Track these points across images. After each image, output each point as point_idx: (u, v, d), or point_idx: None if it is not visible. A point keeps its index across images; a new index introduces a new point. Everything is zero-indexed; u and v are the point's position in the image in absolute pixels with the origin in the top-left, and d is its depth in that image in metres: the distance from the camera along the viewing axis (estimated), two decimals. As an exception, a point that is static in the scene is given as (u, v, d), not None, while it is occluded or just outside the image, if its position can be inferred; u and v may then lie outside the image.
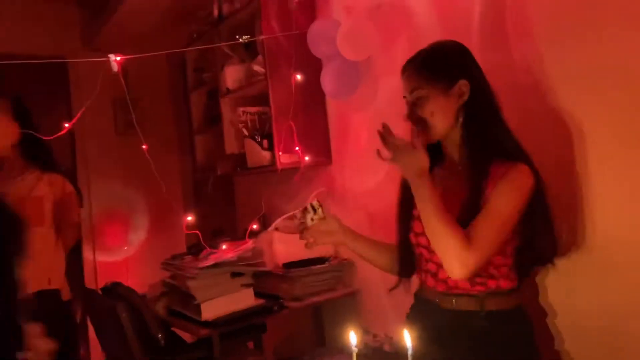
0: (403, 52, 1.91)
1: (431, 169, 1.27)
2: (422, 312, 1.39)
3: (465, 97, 1.27)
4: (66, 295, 2.19)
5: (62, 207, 2.19)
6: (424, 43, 1.77)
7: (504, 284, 1.27)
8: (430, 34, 1.80)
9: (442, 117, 1.28)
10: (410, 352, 1.01)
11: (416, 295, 1.44)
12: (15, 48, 2.92)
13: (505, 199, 1.19)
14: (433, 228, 1.20)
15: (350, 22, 1.95)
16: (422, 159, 1.22)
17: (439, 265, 1.27)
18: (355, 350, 1.06)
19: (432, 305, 1.34)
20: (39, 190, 2.13)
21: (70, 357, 2.21)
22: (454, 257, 1.17)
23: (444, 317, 1.30)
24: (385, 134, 1.25)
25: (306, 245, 1.43)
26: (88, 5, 3.22)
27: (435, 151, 1.36)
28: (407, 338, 1.02)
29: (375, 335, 2.00)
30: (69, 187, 2.21)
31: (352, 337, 1.06)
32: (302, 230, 1.41)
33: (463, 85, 1.27)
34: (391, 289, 1.47)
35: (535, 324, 1.35)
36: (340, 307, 2.23)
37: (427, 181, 1.22)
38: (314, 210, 1.37)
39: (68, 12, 3.23)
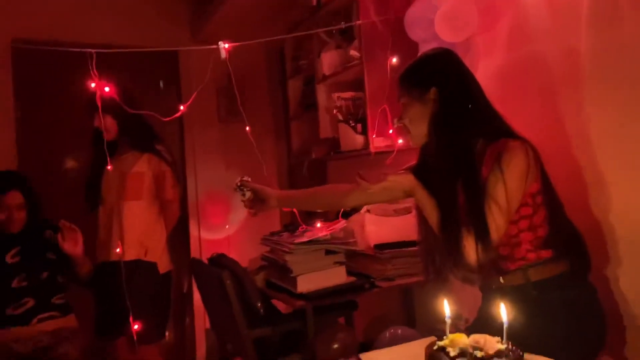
0: (506, 32, 1.88)
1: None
2: (485, 296, 1.49)
3: (437, 104, 1.36)
4: (163, 268, 2.37)
5: (157, 184, 2.38)
6: (529, 21, 1.73)
7: (544, 254, 1.33)
8: (536, 10, 1.75)
9: (418, 123, 1.41)
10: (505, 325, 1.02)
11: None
12: (129, 41, 3.20)
13: (501, 183, 1.27)
14: (438, 227, 1.34)
15: (449, 3, 1.94)
16: (405, 178, 1.40)
17: None
18: (448, 320, 1.09)
19: (490, 288, 1.44)
20: (138, 166, 2.35)
21: (163, 324, 2.42)
22: (469, 249, 1.27)
23: (499, 295, 1.36)
24: (361, 186, 1.38)
25: (251, 215, 1.68)
26: (197, -1, 3.46)
27: None
28: (503, 311, 1.03)
29: (467, 320, 2.00)
30: (164, 166, 2.39)
31: (446, 307, 1.09)
32: (243, 205, 1.66)
33: (433, 92, 1.38)
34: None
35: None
36: (431, 290, 2.24)
37: (420, 192, 1.37)
38: (241, 189, 1.62)
39: (178, 6, 3.49)
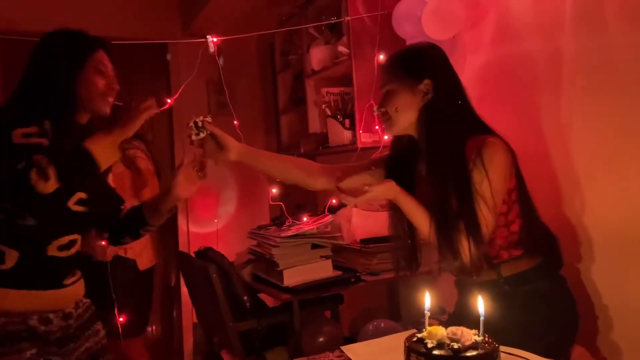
0: (491, 29, 1.90)
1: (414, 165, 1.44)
2: (461, 291, 1.51)
3: (429, 96, 1.35)
4: (144, 264, 2.39)
5: (137, 183, 2.37)
6: (514, 19, 1.74)
7: (515, 253, 1.36)
8: (520, 9, 1.77)
9: (405, 112, 1.38)
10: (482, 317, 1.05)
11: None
12: (118, 33, 3.18)
13: (486, 180, 1.28)
14: (426, 231, 1.33)
15: (437, 1, 1.96)
16: (387, 188, 1.33)
17: None
18: (427, 313, 1.11)
19: (463, 282, 1.47)
20: (119, 167, 2.30)
21: (143, 318, 2.44)
22: (463, 245, 1.28)
23: (473, 290, 1.37)
24: (343, 200, 1.35)
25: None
26: (187, -8, 3.44)
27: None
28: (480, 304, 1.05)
29: (449, 315, 2.03)
30: (141, 164, 2.35)
31: (427, 299, 1.11)
32: (191, 142, 1.42)
33: (426, 84, 1.36)
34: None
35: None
36: (416, 285, 2.27)
37: (403, 199, 1.34)
38: (197, 128, 1.37)
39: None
